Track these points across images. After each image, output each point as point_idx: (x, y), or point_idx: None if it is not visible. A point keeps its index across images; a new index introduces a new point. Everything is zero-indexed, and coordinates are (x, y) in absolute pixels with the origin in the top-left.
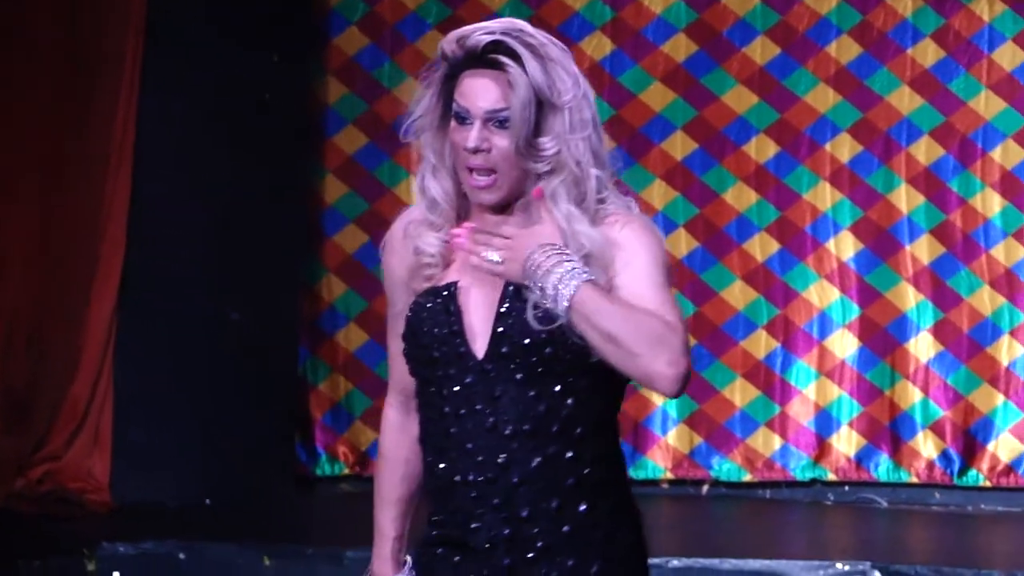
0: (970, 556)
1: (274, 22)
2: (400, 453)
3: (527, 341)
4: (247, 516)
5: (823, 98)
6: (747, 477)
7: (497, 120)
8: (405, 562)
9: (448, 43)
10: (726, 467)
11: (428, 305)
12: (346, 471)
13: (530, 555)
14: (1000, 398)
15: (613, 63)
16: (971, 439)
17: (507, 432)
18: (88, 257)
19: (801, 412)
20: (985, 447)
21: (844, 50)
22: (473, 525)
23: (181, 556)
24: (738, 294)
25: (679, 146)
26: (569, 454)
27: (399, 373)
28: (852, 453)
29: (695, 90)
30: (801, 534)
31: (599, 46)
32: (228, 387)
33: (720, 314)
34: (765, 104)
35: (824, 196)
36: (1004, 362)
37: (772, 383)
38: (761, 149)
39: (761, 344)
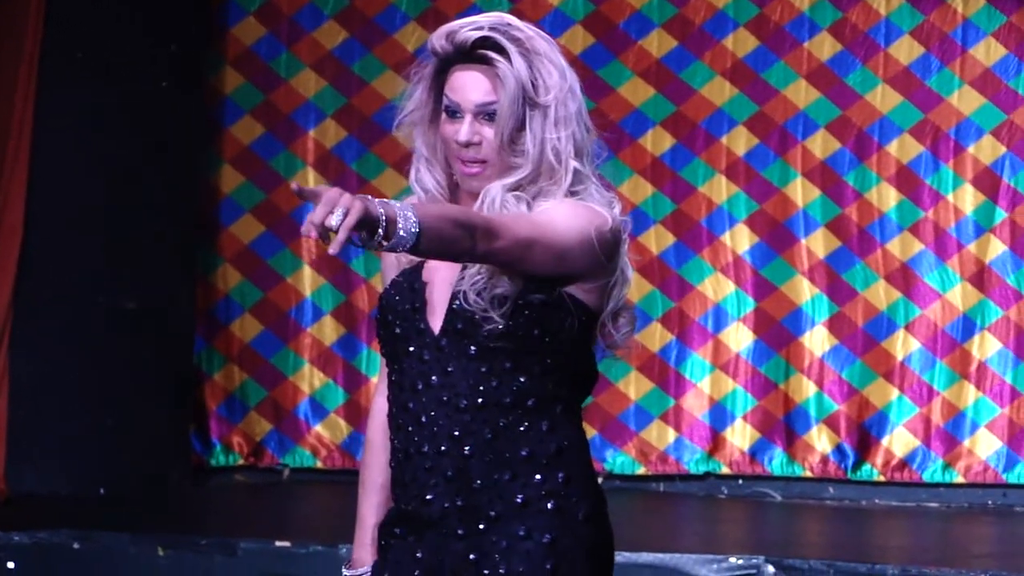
0: (864, 551)
1: (172, 11)
2: (384, 440)
3: (478, 316)
4: (142, 506)
5: (719, 91)
6: (641, 470)
7: (487, 113)
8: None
9: (437, 39)
10: (620, 460)
11: (398, 282)
12: (240, 461)
13: (481, 525)
14: (895, 392)
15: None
16: (865, 433)
17: (461, 405)
18: None
19: (695, 405)
20: (879, 442)
21: (741, 43)
22: (427, 496)
23: (75, 546)
24: (633, 287)
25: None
26: (523, 426)
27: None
28: (746, 447)
29: (592, 82)
30: (695, 528)
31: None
32: (123, 376)
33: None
34: (661, 97)
35: (720, 189)
36: (899, 357)
37: (667, 376)
38: (657, 142)
39: (656, 337)
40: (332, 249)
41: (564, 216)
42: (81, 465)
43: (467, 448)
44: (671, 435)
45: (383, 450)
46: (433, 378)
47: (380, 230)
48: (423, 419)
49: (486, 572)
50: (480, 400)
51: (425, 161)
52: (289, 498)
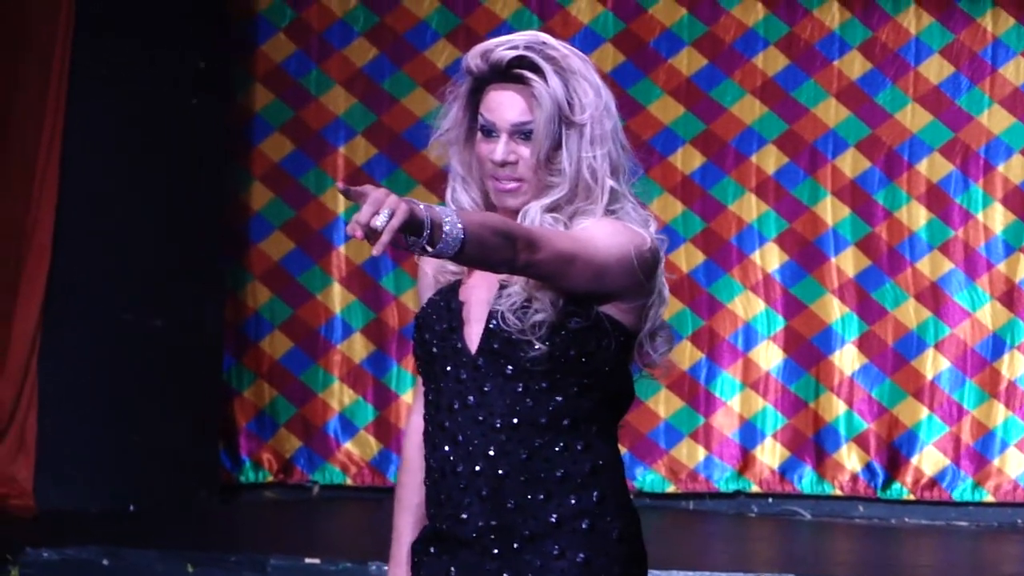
0: (893, 569)
1: (201, 28)
2: (420, 459)
3: (515, 337)
4: (171, 523)
5: (749, 109)
6: (671, 488)
7: (522, 133)
8: None
9: (473, 58)
10: (650, 478)
11: (434, 301)
12: (270, 478)
13: (515, 544)
14: (924, 411)
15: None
16: (895, 452)
17: (496, 425)
18: (14, 263)
19: (725, 424)
20: (909, 460)
21: (771, 62)
22: (462, 515)
23: (104, 562)
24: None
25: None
26: (557, 448)
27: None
28: (776, 465)
29: (622, 100)
30: (724, 546)
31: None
32: (153, 393)
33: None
34: (691, 115)
35: (750, 207)
36: (928, 375)
37: (697, 394)
38: (687, 160)
39: (686, 355)
40: (376, 250)
41: (604, 234)
42: (110, 482)
43: (502, 468)
44: (701, 453)
45: (419, 469)
46: (470, 398)
47: (425, 233)
48: (459, 438)
49: None
50: (515, 420)
51: (461, 180)
52: (318, 515)
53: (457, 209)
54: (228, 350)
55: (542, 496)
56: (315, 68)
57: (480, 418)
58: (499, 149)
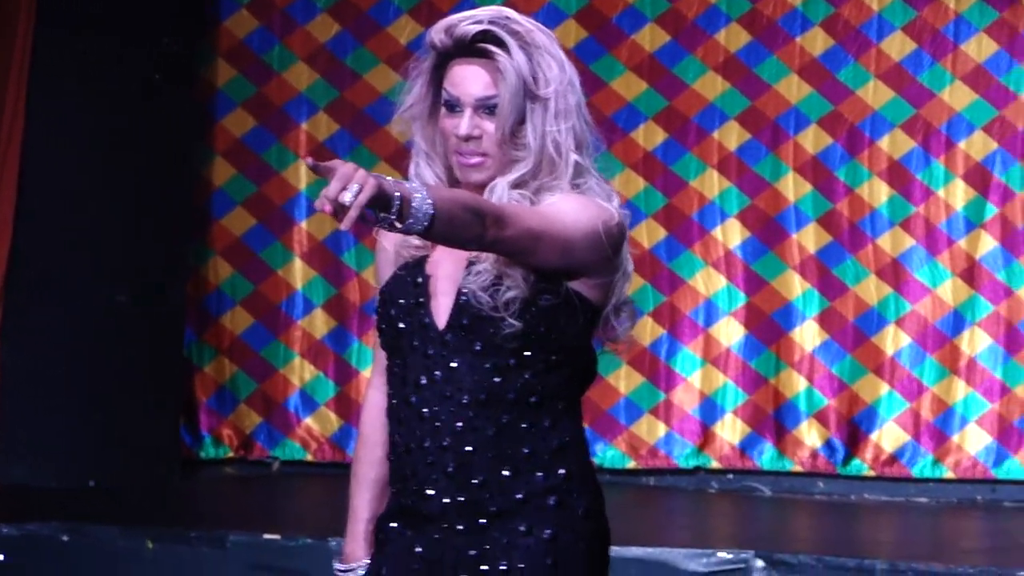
0: (853, 545)
1: (164, 4)
2: (377, 435)
3: (485, 313)
4: (131, 498)
5: (712, 86)
6: (631, 464)
7: (487, 107)
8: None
9: (436, 33)
10: (610, 454)
11: (399, 277)
12: (230, 454)
13: (482, 520)
14: (885, 388)
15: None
16: (855, 428)
17: (464, 401)
18: None
19: (686, 400)
20: (869, 437)
21: (733, 38)
22: (428, 491)
23: (65, 538)
24: None
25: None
26: (524, 424)
27: (381, 354)
28: (736, 441)
29: (584, 76)
30: (684, 522)
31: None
32: (114, 369)
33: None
34: (654, 91)
35: (711, 184)
36: (889, 352)
37: (657, 370)
38: (649, 136)
39: (647, 331)
40: (344, 225)
41: (572, 209)
42: (71, 457)
43: (469, 444)
44: (661, 429)
45: (376, 445)
46: (436, 373)
47: (394, 209)
48: (426, 413)
49: (485, 567)
50: (483, 396)
51: (425, 156)
52: (279, 491)
53: (427, 185)
54: (189, 325)
55: (509, 473)
56: (278, 44)
57: (447, 394)
58: (463, 123)
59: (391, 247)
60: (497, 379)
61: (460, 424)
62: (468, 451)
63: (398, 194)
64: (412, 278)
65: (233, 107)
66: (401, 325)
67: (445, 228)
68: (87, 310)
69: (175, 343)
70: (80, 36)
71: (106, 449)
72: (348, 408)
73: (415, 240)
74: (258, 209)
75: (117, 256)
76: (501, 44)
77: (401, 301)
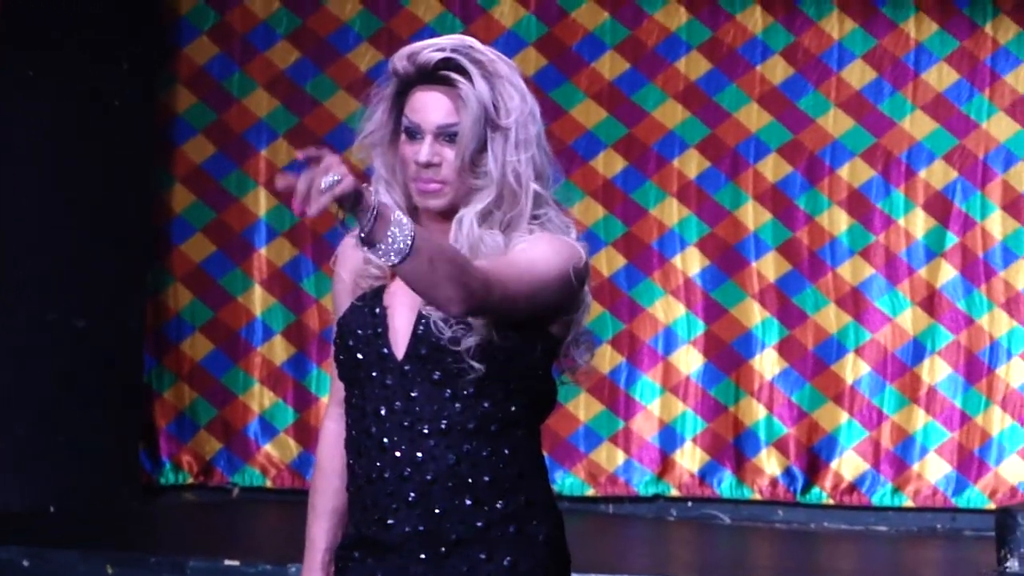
0: (812, 574)
1: (124, 30)
2: (335, 465)
3: (443, 343)
4: (91, 523)
5: (671, 114)
6: (590, 492)
7: (447, 135)
8: None
9: (399, 59)
10: (569, 481)
11: (357, 308)
12: (190, 480)
13: (443, 549)
14: (844, 416)
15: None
16: (815, 457)
17: (424, 431)
18: None
19: (645, 427)
20: (828, 465)
21: (693, 66)
22: (388, 521)
23: (24, 563)
24: None
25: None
26: (485, 452)
27: (338, 386)
28: (696, 469)
29: (543, 104)
30: (644, 550)
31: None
32: (74, 394)
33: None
34: (613, 119)
35: (671, 212)
36: (848, 380)
37: (616, 398)
38: (609, 164)
39: (606, 359)
40: (311, 210)
41: (544, 257)
42: (31, 482)
43: (429, 474)
44: (620, 457)
45: (334, 474)
46: (396, 403)
47: (367, 220)
48: (386, 444)
49: None
50: (443, 425)
51: (384, 183)
52: (238, 517)
53: (417, 225)
54: (149, 351)
55: (469, 501)
56: (238, 70)
57: (406, 423)
58: (424, 150)
59: (348, 277)
60: (457, 407)
61: (420, 454)
62: (428, 480)
63: (376, 209)
64: (370, 308)
65: (193, 133)
66: (359, 356)
67: (421, 270)
68: (46, 335)
69: (135, 369)
70: (40, 60)
71: (66, 474)
72: (307, 435)
73: (374, 270)
74: (218, 235)
75: (76, 281)
76: (463, 72)
77: (359, 332)
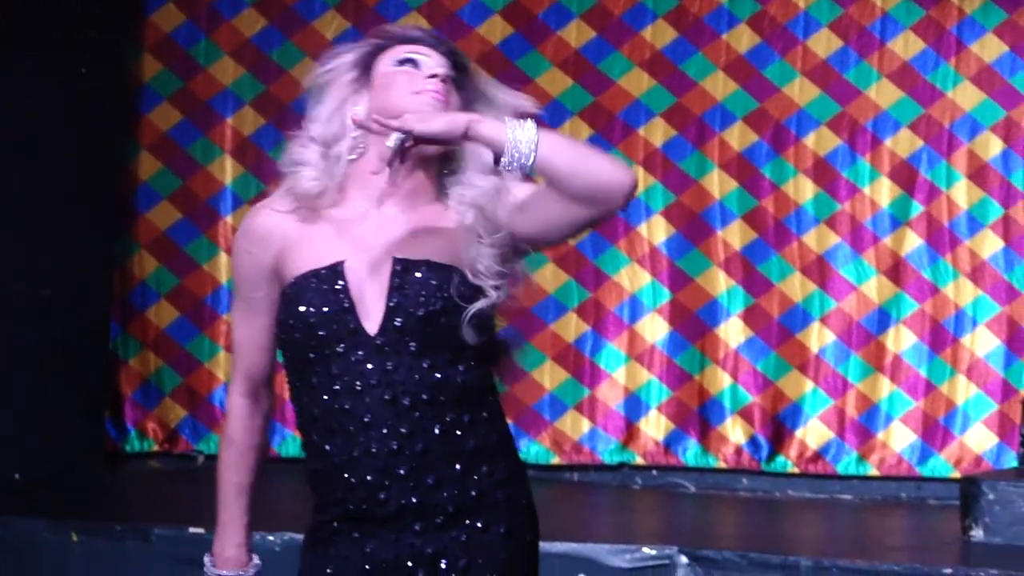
0: (777, 542)
1: None
2: (250, 440)
3: (422, 312)
4: (56, 492)
5: (637, 82)
6: (555, 460)
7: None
8: (251, 558)
9: (405, 29)
10: (534, 450)
11: (312, 285)
12: (155, 448)
13: (439, 520)
14: (809, 385)
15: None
16: (779, 425)
17: (406, 403)
18: None
19: (610, 396)
20: (793, 433)
21: (659, 35)
22: (381, 496)
23: None
24: (549, 277)
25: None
26: (466, 418)
27: (249, 361)
28: (660, 437)
29: (510, 73)
30: (609, 518)
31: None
32: (39, 362)
33: (531, 296)
34: (579, 87)
35: (637, 180)
36: (814, 349)
37: (582, 366)
38: (575, 132)
39: (571, 327)
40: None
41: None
42: None
43: (419, 445)
44: (586, 425)
45: (249, 450)
46: (373, 378)
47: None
48: (367, 420)
49: (444, 563)
50: (426, 396)
51: (333, 138)
52: (203, 484)
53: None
54: (114, 319)
55: (460, 470)
56: (204, 38)
57: (387, 397)
58: (435, 63)
59: (267, 255)
60: (437, 376)
61: (405, 427)
62: (418, 452)
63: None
64: (329, 285)
65: (159, 101)
66: (322, 332)
67: (568, 151)
68: (11, 304)
69: (101, 337)
70: (6, 29)
71: (32, 442)
72: (272, 403)
73: (267, 244)
74: (183, 203)
75: (42, 250)
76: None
77: (323, 309)
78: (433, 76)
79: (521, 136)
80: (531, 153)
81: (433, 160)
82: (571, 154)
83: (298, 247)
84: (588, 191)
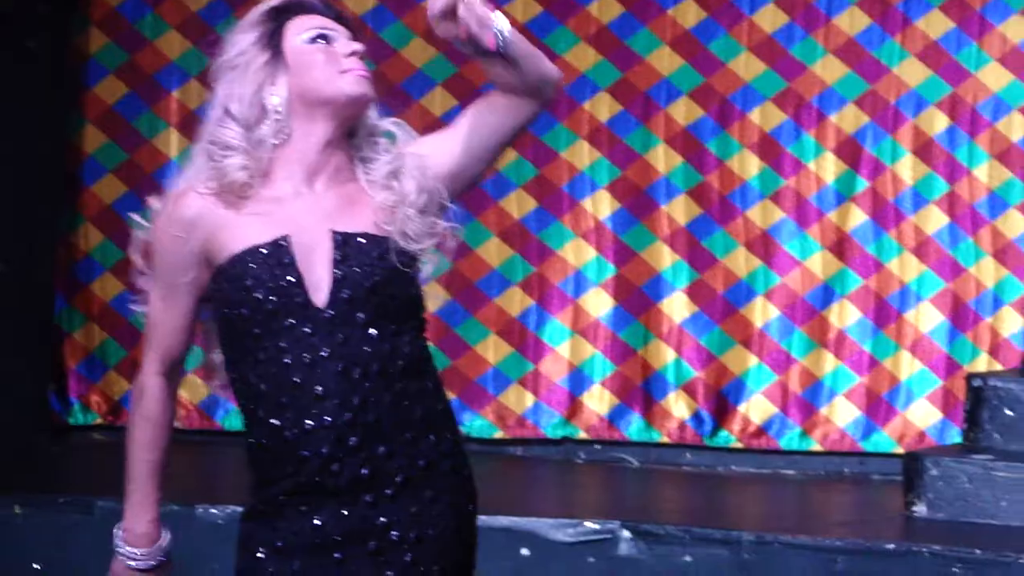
0: (720, 517)
1: None
2: (165, 418)
3: (368, 284)
4: None
5: (583, 57)
6: (498, 434)
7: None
8: (163, 533)
9: (273, 3)
10: (478, 423)
11: (257, 262)
12: (99, 420)
13: (389, 491)
14: (753, 360)
15: (376, 18)
16: (723, 400)
17: (357, 374)
18: None
19: (554, 370)
20: (737, 409)
21: (605, 9)
22: (334, 467)
23: None
24: (494, 251)
25: (438, 102)
26: (414, 388)
27: (167, 341)
28: (604, 412)
29: (455, 48)
30: (552, 492)
31: (362, 1)
32: None
33: (475, 271)
34: None
35: (582, 155)
36: (758, 324)
37: (526, 340)
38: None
39: (516, 301)
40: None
41: None
42: None
43: (371, 416)
44: (529, 399)
45: (165, 428)
46: (323, 351)
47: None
48: (319, 390)
49: (395, 535)
50: (376, 367)
51: (255, 119)
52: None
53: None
54: (59, 292)
55: (409, 438)
56: (150, 12)
57: (339, 369)
58: (352, 43)
59: (196, 238)
60: (386, 346)
61: (357, 397)
62: (370, 423)
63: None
64: (276, 260)
65: (105, 74)
66: (269, 307)
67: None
68: None
69: (45, 309)
70: None
71: None
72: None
73: (249, 227)
74: (128, 176)
75: None
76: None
77: (271, 285)
78: (352, 54)
79: (502, 24)
80: (510, 35)
81: (345, 138)
82: (522, 40)
83: (230, 228)
84: (536, 77)
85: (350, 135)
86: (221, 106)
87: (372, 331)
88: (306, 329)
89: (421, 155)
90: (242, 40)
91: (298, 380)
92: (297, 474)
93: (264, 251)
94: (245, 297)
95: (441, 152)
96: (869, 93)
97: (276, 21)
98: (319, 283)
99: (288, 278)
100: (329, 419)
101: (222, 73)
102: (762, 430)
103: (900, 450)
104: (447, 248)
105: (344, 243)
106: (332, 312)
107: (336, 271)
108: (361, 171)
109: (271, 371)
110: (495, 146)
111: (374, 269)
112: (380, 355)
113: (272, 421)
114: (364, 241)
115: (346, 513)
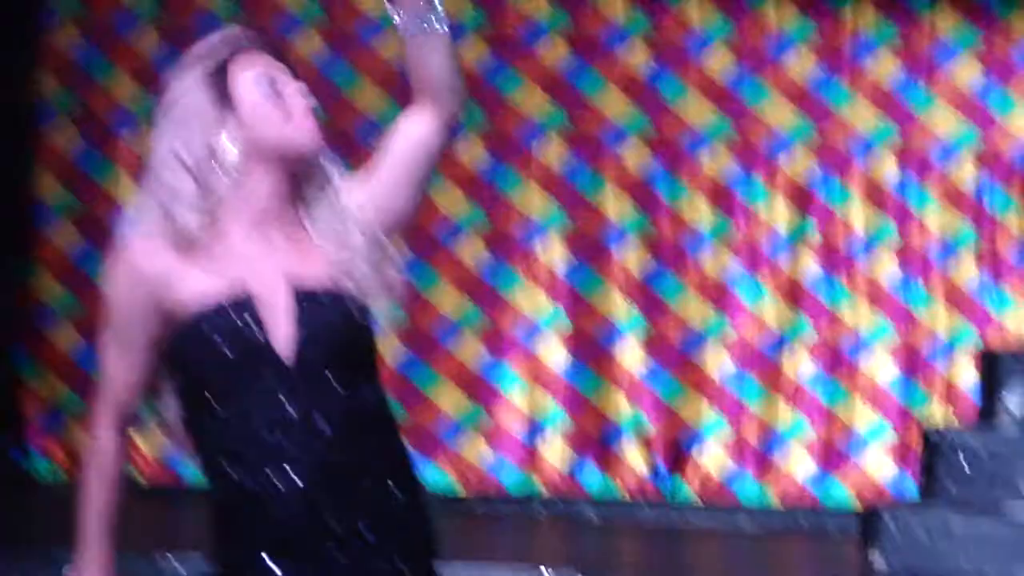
0: (679, 571)
1: None
2: (117, 473)
3: (335, 340)
4: None
5: (532, 101)
6: (460, 492)
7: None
8: None
9: (216, 39)
10: (438, 478)
11: (221, 319)
12: (58, 471)
13: (359, 546)
14: (708, 411)
15: (324, 63)
16: (680, 452)
17: (327, 432)
18: None
19: (510, 420)
20: (694, 459)
21: (555, 53)
22: (300, 523)
23: None
24: (449, 299)
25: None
26: (378, 439)
27: (122, 396)
28: (561, 464)
29: (406, 90)
30: (509, 542)
31: (310, 44)
32: None
33: (429, 320)
34: (475, 106)
35: (534, 202)
36: (712, 374)
37: (479, 390)
38: (473, 153)
39: (470, 350)
40: None
41: None
42: None
43: (341, 472)
44: (486, 452)
45: (119, 489)
46: (291, 408)
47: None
48: (288, 451)
49: None
50: (344, 423)
51: (194, 164)
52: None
53: None
54: (19, 341)
55: (376, 487)
56: (102, 57)
57: (306, 425)
58: (299, 90)
59: (155, 289)
60: (352, 400)
61: (328, 456)
62: (341, 479)
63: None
64: (237, 316)
65: (55, 118)
66: (236, 366)
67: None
68: None
69: (3, 359)
70: None
71: None
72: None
73: (206, 281)
74: (86, 225)
75: None
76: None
77: (237, 343)
78: (304, 106)
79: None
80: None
81: (294, 185)
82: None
83: (185, 281)
84: (450, 76)
85: (297, 180)
86: (169, 151)
87: (338, 386)
88: (273, 386)
89: (361, 204)
90: (186, 78)
91: (266, 439)
92: (267, 534)
93: (227, 308)
94: (210, 353)
95: (371, 195)
96: (818, 137)
97: (218, 58)
98: (286, 339)
99: (254, 334)
100: (296, 475)
101: (167, 110)
102: (721, 485)
103: (857, 502)
104: (398, 296)
105: (305, 299)
106: (299, 368)
107: (301, 328)
108: (309, 222)
109: (236, 427)
110: (416, 179)
111: (337, 325)
112: (347, 410)
113: (240, 480)
114: (324, 297)
115: (314, 567)
